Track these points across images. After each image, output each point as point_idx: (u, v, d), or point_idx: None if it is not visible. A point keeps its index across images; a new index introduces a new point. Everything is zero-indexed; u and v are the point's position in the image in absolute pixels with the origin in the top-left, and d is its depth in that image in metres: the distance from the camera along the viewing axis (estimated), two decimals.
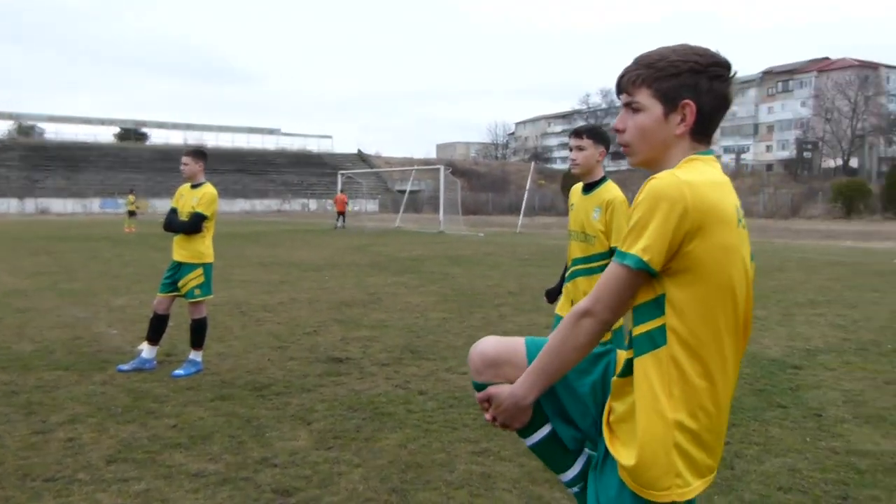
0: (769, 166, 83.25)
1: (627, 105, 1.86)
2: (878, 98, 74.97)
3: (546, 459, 2.14)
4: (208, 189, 6.46)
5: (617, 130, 1.91)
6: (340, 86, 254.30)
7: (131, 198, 35.31)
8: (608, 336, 3.53)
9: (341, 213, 38.47)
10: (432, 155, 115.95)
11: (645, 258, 1.66)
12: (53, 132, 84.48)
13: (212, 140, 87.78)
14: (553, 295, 4.50)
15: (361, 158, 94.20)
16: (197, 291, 6.33)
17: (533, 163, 61.46)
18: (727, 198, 1.74)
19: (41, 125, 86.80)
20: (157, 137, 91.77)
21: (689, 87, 1.78)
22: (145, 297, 10.61)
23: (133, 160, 79.60)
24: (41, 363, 6.53)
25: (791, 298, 11.03)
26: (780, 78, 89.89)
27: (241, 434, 4.69)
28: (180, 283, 6.36)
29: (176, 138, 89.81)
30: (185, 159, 6.53)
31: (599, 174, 4.01)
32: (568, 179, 57.02)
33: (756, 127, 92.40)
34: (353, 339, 7.81)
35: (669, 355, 1.71)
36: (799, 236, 30.45)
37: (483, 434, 4.72)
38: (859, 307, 10.18)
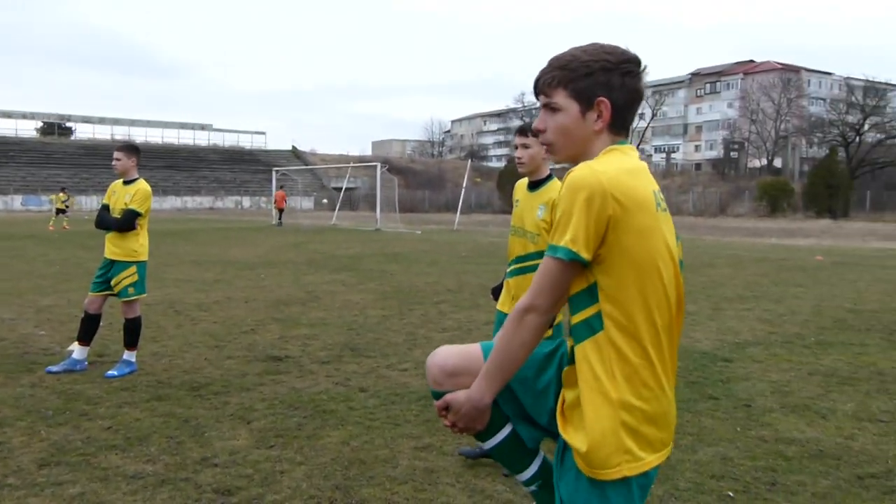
0: (698, 165, 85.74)
1: (546, 106, 1.93)
2: (799, 100, 77.93)
3: (504, 461, 2.19)
4: (142, 185, 6.30)
5: (538, 131, 1.98)
6: (273, 81, 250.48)
7: (62, 195, 34.16)
8: (549, 332, 3.59)
9: (281, 211, 38.05)
10: (368, 152, 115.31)
11: (574, 248, 1.73)
12: None
13: (141, 135, 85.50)
14: (497, 292, 4.53)
15: (296, 155, 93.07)
16: (131, 290, 6.17)
17: (469, 160, 61.67)
18: (644, 183, 1.82)
19: None
20: (82, 132, 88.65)
21: (602, 84, 1.86)
22: (74, 296, 10.29)
23: (57, 155, 76.89)
24: None
25: (720, 294, 11.40)
26: (708, 79, 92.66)
27: (180, 434, 4.60)
28: (113, 282, 6.18)
29: (103, 133, 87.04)
30: (117, 154, 6.34)
31: (545, 172, 4.05)
32: (504, 177, 57.53)
33: (685, 127, 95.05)
34: (291, 337, 7.73)
35: (607, 339, 1.78)
36: (727, 234, 31.45)
37: (426, 430, 4.74)
38: (784, 302, 10.59)
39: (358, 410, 5.14)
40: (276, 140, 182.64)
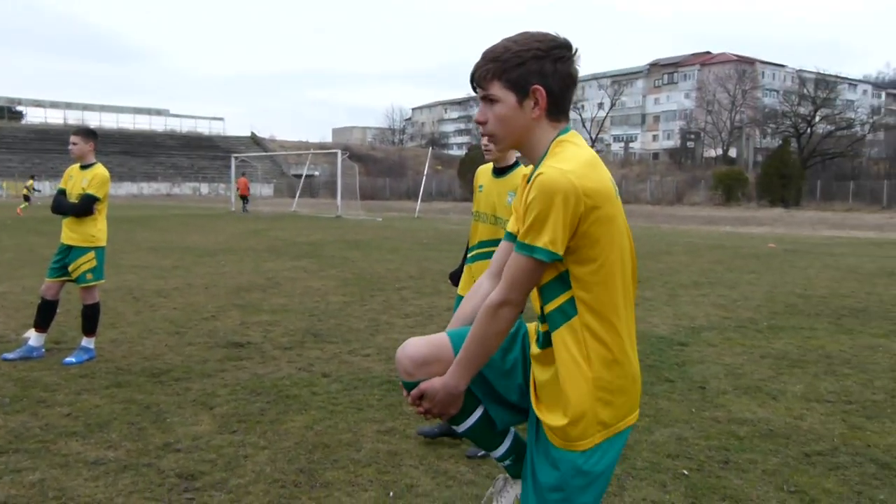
0: (655, 155, 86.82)
1: (484, 98, 1.99)
2: (754, 92, 79.31)
3: (478, 441, 2.25)
4: (99, 170, 6.20)
5: (479, 123, 2.04)
6: (232, 67, 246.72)
7: (30, 182, 35.79)
8: None
9: (244, 197, 37.63)
10: (328, 139, 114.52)
11: (553, 250, 1.81)
12: None
13: (95, 120, 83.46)
14: (457, 277, 4.59)
15: (255, 142, 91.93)
16: (89, 276, 6.08)
17: (430, 148, 61.70)
18: (603, 175, 1.89)
19: None
20: (33, 116, 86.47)
21: (535, 72, 1.91)
22: (28, 283, 10.10)
23: (7, 140, 74.81)
24: None
25: (676, 280, 11.63)
26: (665, 70, 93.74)
27: (141, 420, 4.58)
28: (71, 268, 6.09)
29: (55, 118, 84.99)
30: (73, 139, 6.23)
31: (512, 159, 4.09)
32: (465, 165, 57.60)
33: (643, 117, 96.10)
34: (253, 323, 7.70)
35: (581, 323, 1.87)
36: (683, 222, 32.00)
37: (388, 414, 4.79)
38: (738, 288, 10.85)
39: (321, 395, 5.16)
40: (235, 126, 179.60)
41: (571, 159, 1.85)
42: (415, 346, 2.11)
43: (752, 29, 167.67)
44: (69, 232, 6.13)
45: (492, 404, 2.18)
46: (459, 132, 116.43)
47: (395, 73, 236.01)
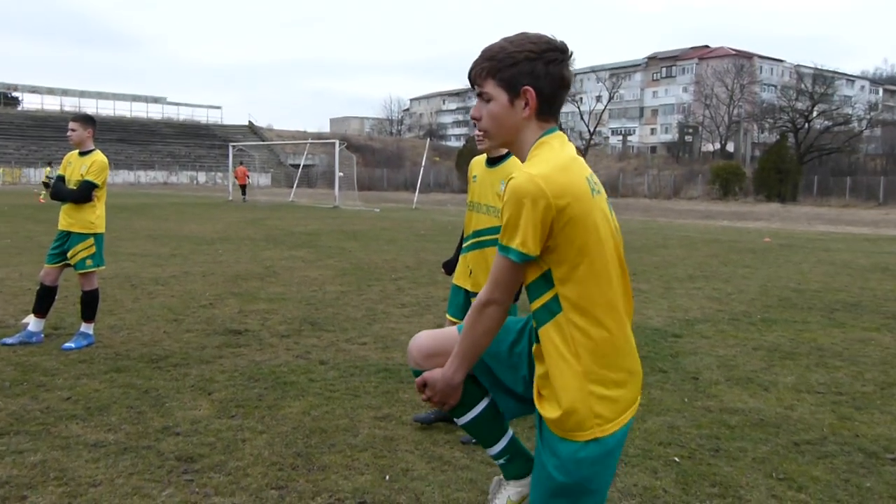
0: (653, 148, 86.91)
1: (479, 95, 2.06)
2: (752, 87, 79.35)
3: (478, 435, 2.35)
4: (98, 157, 6.23)
5: (474, 119, 2.11)
6: (230, 55, 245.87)
7: (48, 169, 35.80)
8: None
9: (243, 187, 37.63)
10: (326, 129, 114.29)
11: (524, 251, 1.88)
12: None
13: (91, 107, 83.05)
14: (450, 266, 4.65)
15: (253, 131, 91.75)
16: (88, 262, 6.12)
17: (428, 139, 61.64)
18: (577, 175, 1.94)
19: None
20: (30, 103, 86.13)
21: (526, 74, 1.97)
22: (26, 269, 10.13)
23: (3, 126, 74.49)
24: None
25: (672, 273, 11.70)
26: (664, 64, 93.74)
27: (140, 405, 4.63)
28: (70, 254, 6.12)
29: (51, 104, 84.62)
30: (72, 125, 6.25)
31: (504, 149, 4.15)
32: (462, 157, 57.65)
33: (641, 110, 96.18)
34: (250, 311, 7.75)
35: (566, 319, 1.93)
36: (680, 216, 32.07)
37: (385, 401, 4.85)
38: (733, 281, 10.92)
39: (318, 382, 5.22)
40: (232, 115, 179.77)
41: (544, 163, 1.91)
42: (424, 339, 2.27)
43: (750, 23, 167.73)
44: (68, 218, 6.16)
45: (499, 394, 2.27)
46: (458, 123, 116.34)
47: (394, 64, 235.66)
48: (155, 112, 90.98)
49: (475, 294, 4.13)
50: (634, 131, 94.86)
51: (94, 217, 6.17)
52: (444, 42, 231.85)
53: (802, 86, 64.98)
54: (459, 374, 2.09)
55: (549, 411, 1.96)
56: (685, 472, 3.79)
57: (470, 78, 2.08)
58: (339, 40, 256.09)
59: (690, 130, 79.60)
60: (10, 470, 3.59)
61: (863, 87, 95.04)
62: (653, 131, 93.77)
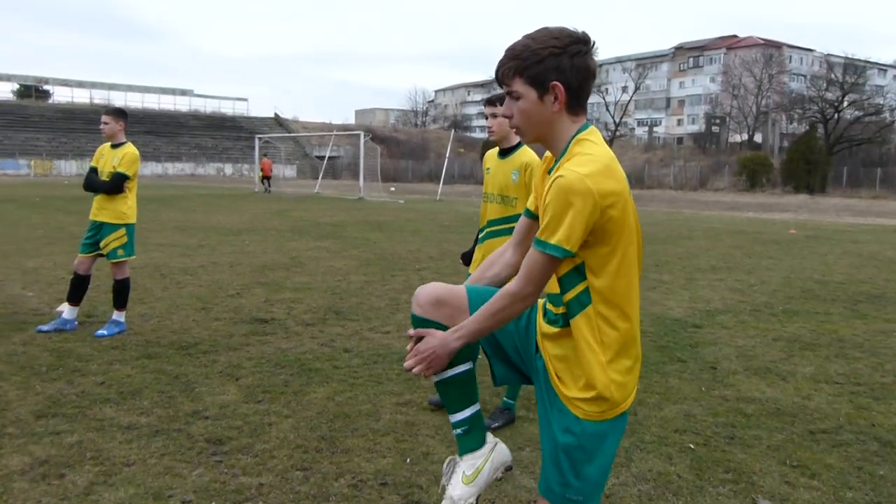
0: (680, 139, 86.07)
1: (509, 94, 2.12)
2: (781, 76, 78.24)
3: (447, 396, 2.34)
4: (129, 149, 6.41)
5: (506, 117, 2.17)
6: (255, 47, 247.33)
7: None
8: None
9: (267, 178, 37.99)
10: (351, 121, 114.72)
11: (567, 247, 1.94)
12: None
13: (120, 100, 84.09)
14: (468, 257, 4.77)
15: (279, 123, 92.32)
16: (120, 252, 6.31)
17: (452, 131, 61.62)
18: (619, 176, 2.02)
19: None
20: (60, 96, 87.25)
21: (553, 69, 2.02)
22: (59, 259, 10.39)
23: (35, 119, 75.69)
24: None
25: (695, 265, 11.69)
26: (691, 54, 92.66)
27: (171, 389, 4.80)
28: (102, 244, 6.31)
29: (81, 97, 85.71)
30: (105, 118, 6.44)
31: (515, 140, 4.27)
32: (487, 148, 57.48)
33: (668, 101, 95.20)
34: (276, 300, 7.91)
35: (596, 311, 2.04)
36: (706, 207, 31.85)
37: (406, 387, 4.97)
38: (756, 273, 10.90)
39: (342, 369, 5.36)
40: (258, 107, 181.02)
41: (591, 163, 1.96)
42: (434, 287, 2.31)
43: (779, 12, 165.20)
44: (100, 209, 6.34)
45: (496, 360, 2.34)
46: (482, 115, 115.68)
47: (418, 55, 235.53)
48: (182, 104, 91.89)
49: None
50: (661, 122, 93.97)
51: (126, 208, 6.35)
52: (469, 33, 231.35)
53: (832, 75, 63.90)
54: (460, 344, 2.14)
55: (572, 392, 2.07)
56: (700, 458, 3.87)
57: (497, 77, 2.13)
58: (365, 32, 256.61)
59: (717, 121, 78.71)
60: (49, 450, 3.76)
61: (895, 76, 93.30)
62: (679, 122, 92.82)
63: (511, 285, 2.06)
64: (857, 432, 4.30)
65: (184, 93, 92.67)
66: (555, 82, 2.02)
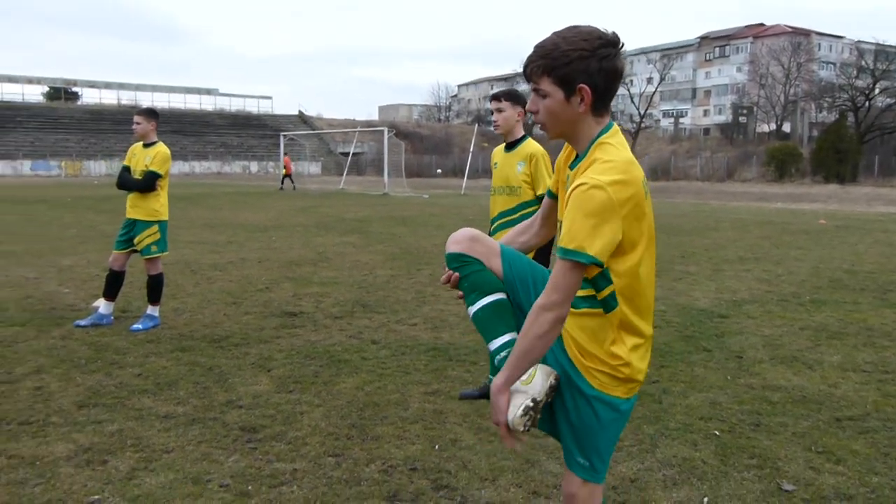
0: (706, 130, 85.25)
1: (535, 91, 2.16)
2: (809, 65, 77.11)
3: (487, 323, 2.27)
4: (161, 148, 6.57)
5: (531, 112, 2.23)
6: (278, 46, 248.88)
7: None
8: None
9: (288, 175, 38.31)
10: (374, 117, 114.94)
11: (591, 253, 1.95)
12: None
13: (147, 100, 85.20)
14: None
15: (303, 120, 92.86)
16: (153, 248, 6.47)
17: (476, 125, 61.65)
18: (638, 180, 2.05)
19: None
20: (88, 97, 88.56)
21: (581, 72, 2.05)
22: (92, 257, 10.63)
23: (64, 120, 76.89)
24: None
25: (722, 256, 11.65)
26: (717, 43, 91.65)
27: (205, 380, 4.93)
28: (136, 240, 6.48)
29: (109, 98, 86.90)
30: (137, 119, 6.61)
31: (520, 133, 4.51)
32: None
33: (694, 92, 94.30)
34: (304, 294, 8.05)
35: (621, 311, 2.10)
36: (734, 198, 31.56)
37: (434, 377, 5.06)
38: (784, 263, 10.84)
39: (370, 360, 5.46)
40: (283, 105, 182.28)
41: (612, 170, 2.00)
42: (469, 229, 2.35)
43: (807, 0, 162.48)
44: (134, 207, 6.51)
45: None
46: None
47: (441, 50, 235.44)
48: (207, 103, 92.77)
49: None
50: (686, 113, 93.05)
51: (158, 205, 6.52)
52: (492, 27, 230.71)
53: (863, 62, 62.85)
54: (502, 380, 2.06)
55: (593, 364, 2.14)
56: (724, 444, 3.91)
57: (525, 74, 2.17)
58: (387, 28, 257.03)
59: (745, 111, 77.84)
60: (92, 437, 3.91)
61: None
62: (706, 113, 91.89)
63: (538, 300, 2.05)
64: (885, 419, 4.31)
65: (209, 92, 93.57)
66: (582, 85, 2.05)
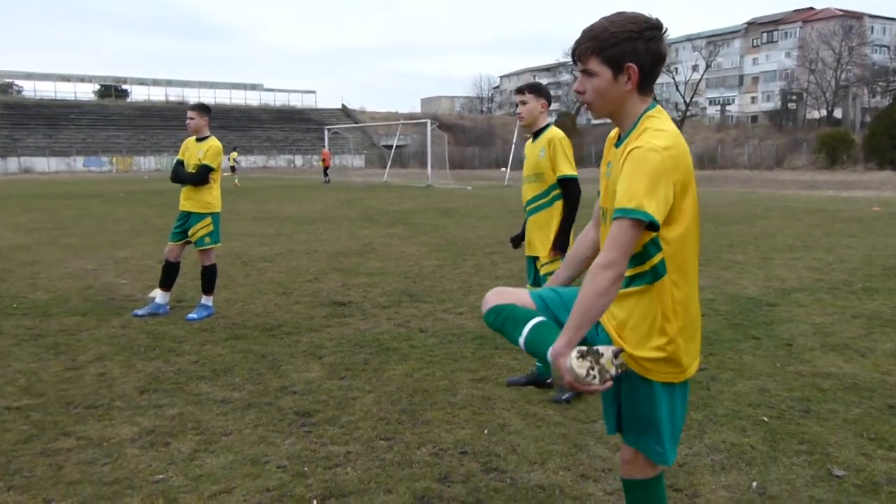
0: (754, 118, 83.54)
1: (583, 72, 2.24)
2: (861, 48, 75.01)
3: (535, 346, 2.28)
4: (213, 142, 6.75)
5: (578, 93, 2.30)
6: (321, 40, 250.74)
7: (234, 154, 40.65)
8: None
9: (326, 168, 38.80)
10: (417, 110, 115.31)
11: (657, 217, 2.02)
12: (31, 89, 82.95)
13: (193, 96, 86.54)
14: (518, 240, 5.03)
15: (346, 114, 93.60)
16: (207, 239, 6.66)
17: None
18: (688, 153, 2.16)
19: (18, 83, 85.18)
20: (137, 94, 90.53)
21: (629, 52, 2.15)
22: (147, 249, 10.94)
23: (115, 117, 78.72)
24: (59, 310, 6.88)
25: (770, 244, 11.48)
26: (764, 29, 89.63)
27: (259, 367, 5.09)
28: (190, 232, 6.67)
29: (157, 95, 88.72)
30: (190, 114, 6.80)
31: (543, 122, 4.65)
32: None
33: (741, 78, 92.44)
34: (352, 285, 8.19)
35: (670, 280, 2.17)
36: (783, 186, 30.94)
37: (482, 365, 5.13)
38: (835, 251, 10.65)
39: (419, 348, 5.56)
40: (326, 99, 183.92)
41: (664, 137, 2.09)
42: (496, 288, 2.49)
43: None
44: (188, 200, 6.71)
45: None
46: None
47: (483, 42, 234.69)
48: (252, 99, 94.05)
49: (533, 257, 4.68)
50: (734, 100, 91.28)
51: (211, 198, 6.70)
52: (533, 17, 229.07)
53: None
54: (569, 349, 2.07)
55: (640, 352, 2.18)
56: (773, 430, 3.91)
57: (574, 56, 2.28)
58: (429, 21, 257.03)
59: (794, 98, 76.03)
60: (154, 421, 4.07)
61: None
62: (753, 100, 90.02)
63: (597, 259, 2.09)
64: None
65: (254, 87, 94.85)
66: (630, 64, 2.15)
